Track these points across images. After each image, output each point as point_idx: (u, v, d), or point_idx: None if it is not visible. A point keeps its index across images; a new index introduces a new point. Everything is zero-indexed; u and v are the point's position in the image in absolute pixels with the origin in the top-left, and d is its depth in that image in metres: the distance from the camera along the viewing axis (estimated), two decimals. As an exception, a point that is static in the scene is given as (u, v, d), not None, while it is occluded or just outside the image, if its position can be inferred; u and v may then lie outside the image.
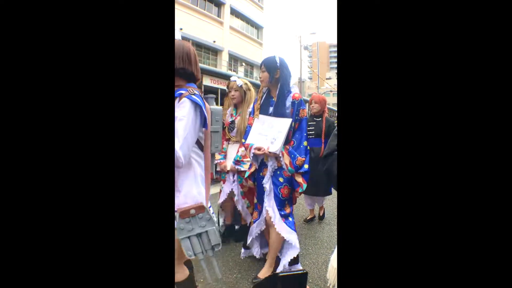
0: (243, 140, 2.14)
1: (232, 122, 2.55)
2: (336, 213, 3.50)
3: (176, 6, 12.30)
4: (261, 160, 2.05)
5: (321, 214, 3.41)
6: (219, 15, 17.35)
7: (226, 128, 2.58)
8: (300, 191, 1.97)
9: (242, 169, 2.34)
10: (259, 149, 1.93)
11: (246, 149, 2.06)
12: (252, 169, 2.11)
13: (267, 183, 1.99)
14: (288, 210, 2.00)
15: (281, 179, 1.98)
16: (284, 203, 2.00)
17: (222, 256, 2.36)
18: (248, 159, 2.24)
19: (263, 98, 2.09)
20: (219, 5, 17.30)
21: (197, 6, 15.43)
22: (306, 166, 1.94)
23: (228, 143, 2.62)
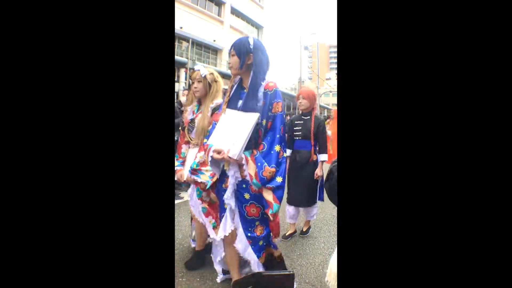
0: (204, 140, 1.67)
1: (192, 120, 2.07)
2: (334, 214, 3.50)
3: (177, 4, 12.30)
4: (222, 167, 1.60)
5: (304, 230, 2.88)
6: (219, 14, 17.34)
7: (186, 128, 2.10)
8: (270, 212, 1.45)
9: (199, 180, 1.82)
10: (218, 152, 1.46)
11: (205, 152, 1.61)
12: (214, 179, 1.64)
13: (230, 199, 1.54)
14: (259, 233, 1.55)
15: (246, 195, 1.51)
16: (253, 224, 1.54)
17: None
18: (208, 167, 1.78)
19: (234, 89, 1.65)
20: (219, 4, 17.30)
21: (197, 5, 15.42)
22: (278, 179, 1.44)
23: (188, 147, 2.12)
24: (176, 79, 12.40)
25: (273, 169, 1.44)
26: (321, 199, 2.80)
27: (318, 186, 2.76)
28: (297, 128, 2.77)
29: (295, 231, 2.86)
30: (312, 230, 2.98)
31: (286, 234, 2.79)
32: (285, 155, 1.53)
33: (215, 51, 17.23)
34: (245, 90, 1.59)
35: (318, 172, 2.67)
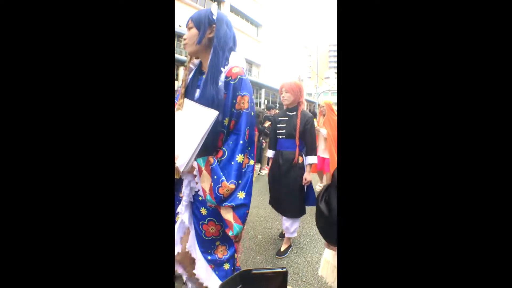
0: None
1: None
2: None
3: (176, 3, 12.20)
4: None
5: (282, 250, 2.39)
6: (218, 12, 17.27)
7: None
8: (230, 234, 1.12)
9: None
10: None
11: None
12: None
13: (183, 214, 1.22)
14: (222, 254, 1.23)
15: (203, 211, 1.19)
16: (213, 244, 1.22)
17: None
18: None
19: (192, 75, 1.27)
20: (218, 2, 17.24)
21: (197, 3, 15.36)
22: (240, 195, 1.12)
23: None
24: (175, 77, 12.34)
25: (232, 186, 1.11)
26: (312, 203, 2.39)
27: (306, 191, 2.39)
28: (281, 125, 2.39)
29: (290, 246, 2.51)
30: (310, 227, 2.98)
31: (283, 232, 2.55)
32: (251, 162, 1.17)
33: (214, 49, 17.15)
34: (204, 76, 1.20)
35: (306, 176, 2.30)
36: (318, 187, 4.35)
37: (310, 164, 2.33)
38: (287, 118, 2.36)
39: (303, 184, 2.31)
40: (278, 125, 2.42)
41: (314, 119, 4.07)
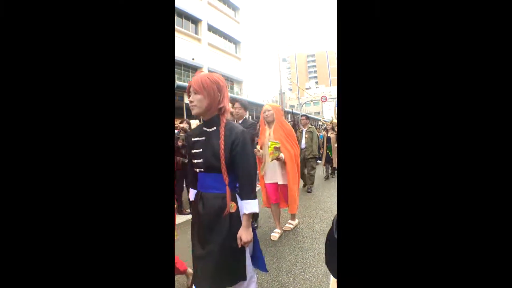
0: None
1: None
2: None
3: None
4: None
5: None
6: (196, 32, 17.53)
7: None
8: None
9: None
10: None
11: None
12: None
13: None
14: None
15: None
16: None
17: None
18: None
19: None
20: (196, 22, 17.51)
21: (174, 24, 15.56)
22: None
23: None
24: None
25: None
26: (263, 268, 1.46)
27: (247, 255, 1.38)
28: (196, 151, 1.35)
29: None
30: (311, 242, 2.93)
31: None
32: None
33: (195, 69, 17.33)
34: None
35: (242, 236, 1.29)
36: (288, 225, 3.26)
37: (248, 215, 1.31)
38: (203, 138, 1.35)
39: (239, 246, 1.31)
40: (192, 151, 1.39)
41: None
